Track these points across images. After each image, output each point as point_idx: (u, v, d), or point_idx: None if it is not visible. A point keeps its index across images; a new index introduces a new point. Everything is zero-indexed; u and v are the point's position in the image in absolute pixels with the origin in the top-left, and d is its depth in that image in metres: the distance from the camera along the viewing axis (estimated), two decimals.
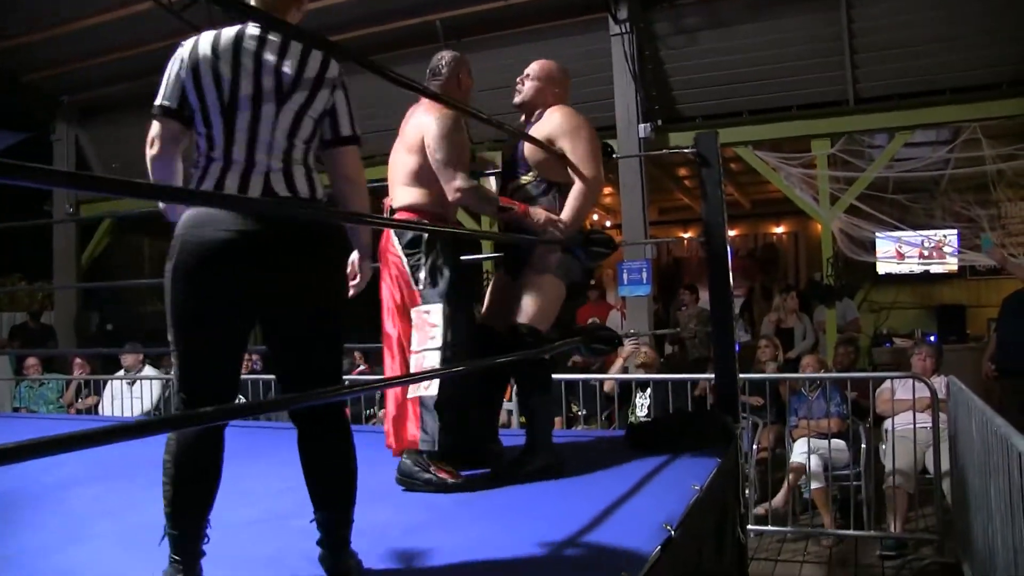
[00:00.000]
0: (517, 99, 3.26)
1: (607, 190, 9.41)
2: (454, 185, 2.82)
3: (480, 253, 4.47)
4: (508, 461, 3.01)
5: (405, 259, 2.89)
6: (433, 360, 2.77)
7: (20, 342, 9.44)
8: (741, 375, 4.85)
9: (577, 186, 3.04)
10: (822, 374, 5.48)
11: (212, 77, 1.92)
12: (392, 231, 2.94)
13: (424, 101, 2.99)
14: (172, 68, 1.98)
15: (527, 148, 3.10)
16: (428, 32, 7.72)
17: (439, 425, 2.76)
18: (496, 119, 2.78)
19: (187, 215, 1.88)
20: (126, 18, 7.40)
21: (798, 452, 5.12)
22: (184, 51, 1.96)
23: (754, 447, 5.29)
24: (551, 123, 3.10)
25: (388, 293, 3.00)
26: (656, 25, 7.21)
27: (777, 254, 11.26)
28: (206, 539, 1.86)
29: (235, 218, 1.82)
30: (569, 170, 3.04)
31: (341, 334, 2.03)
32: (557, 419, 5.82)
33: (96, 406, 7.25)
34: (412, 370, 2.83)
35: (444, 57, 3.07)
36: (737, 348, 3.91)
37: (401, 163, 2.97)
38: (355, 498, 1.96)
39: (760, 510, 5.02)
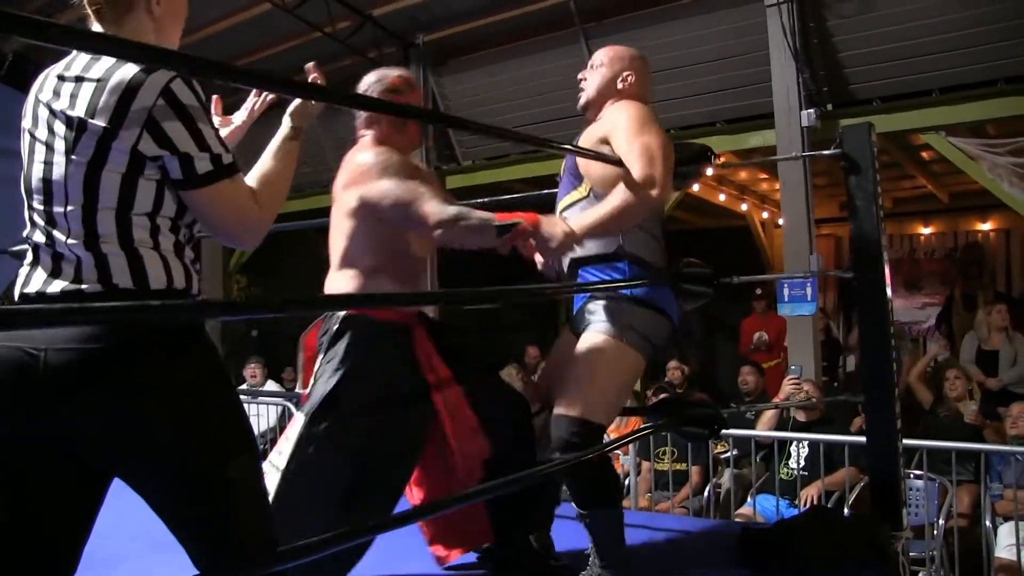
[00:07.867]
0: (581, 99, 2.45)
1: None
2: (429, 222, 1.98)
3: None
4: None
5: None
6: (271, 479, 1.94)
7: None
8: (916, 442, 3.74)
9: (617, 189, 2.16)
10: None
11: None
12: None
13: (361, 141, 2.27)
14: None
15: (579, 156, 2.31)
16: (562, 17, 6.94)
17: None
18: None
19: None
20: None
21: (1006, 543, 3.74)
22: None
23: (940, 521, 3.97)
24: (608, 118, 2.29)
25: None
26: None
27: (982, 256, 9.56)
28: None
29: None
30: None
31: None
32: (696, 468, 4.92)
33: None
34: None
35: (372, 84, 2.24)
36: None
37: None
38: None
39: None
